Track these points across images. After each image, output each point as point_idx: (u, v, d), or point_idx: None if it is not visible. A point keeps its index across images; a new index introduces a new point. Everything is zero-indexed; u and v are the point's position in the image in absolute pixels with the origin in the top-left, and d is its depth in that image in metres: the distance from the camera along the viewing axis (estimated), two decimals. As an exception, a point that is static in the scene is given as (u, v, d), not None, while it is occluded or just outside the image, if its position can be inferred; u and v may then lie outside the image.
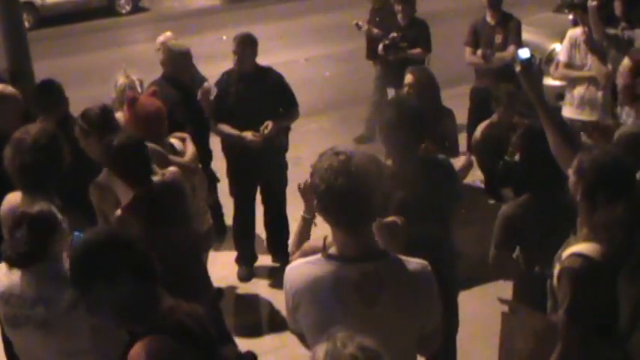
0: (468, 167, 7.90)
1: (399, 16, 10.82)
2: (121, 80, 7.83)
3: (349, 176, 3.40)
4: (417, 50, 10.60)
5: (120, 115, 6.85)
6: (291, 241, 4.49)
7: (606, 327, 3.91)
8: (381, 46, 10.75)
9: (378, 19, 11.64)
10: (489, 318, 5.39)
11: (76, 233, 4.43)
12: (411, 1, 10.78)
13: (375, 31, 11.38)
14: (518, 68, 5.18)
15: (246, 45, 8.09)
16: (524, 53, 5.19)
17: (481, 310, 5.45)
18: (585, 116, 8.51)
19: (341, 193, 3.41)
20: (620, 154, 4.18)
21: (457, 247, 5.80)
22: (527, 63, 5.17)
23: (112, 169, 5.53)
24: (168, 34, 9.26)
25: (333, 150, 3.52)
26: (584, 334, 3.91)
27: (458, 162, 7.54)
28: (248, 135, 7.92)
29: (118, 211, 5.45)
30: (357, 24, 11.38)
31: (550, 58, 10.74)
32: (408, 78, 7.69)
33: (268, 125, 7.95)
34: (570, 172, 4.15)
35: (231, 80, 8.16)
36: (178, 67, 8.03)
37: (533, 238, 4.86)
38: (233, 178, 8.30)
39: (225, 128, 8.07)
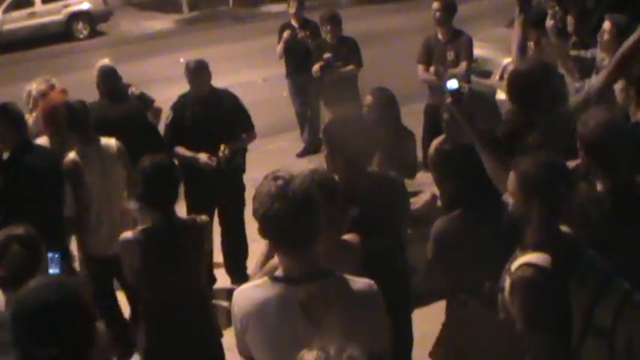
0: (430, 204, 7.80)
1: (328, 36, 11.14)
2: (35, 85, 8.24)
3: (285, 201, 3.44)
4: (350, 67, 10.97)
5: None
6: (253, 263, 4.51)
7: (562, 335, 3.94)
8: (316, 67, 11.01)
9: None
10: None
11: (50, 255, 4.41)
12: (338, 20, 11.12)
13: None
14: (448, 99, 5.24)
15: (198, 73, 8.17)
16: (452, 84, 5.24)
17: (437, 328, 5.44)
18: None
19: (277, 218, 3.46)
20: (549, 155, 4.27)
21: (412, 262, 5.81)
22: (456, 93, 5.22)
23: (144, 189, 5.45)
24: (106, 60, 9.14)
25: (273, 174, 3.55)
26: (548, 340, 3.94)
27: (420, 199, 7.57)
28: (202, 157, 7.95)
29: (129, 234, 5.42)
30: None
31: (503, 73, 10.85)
32: (368, 99, 7.71)
33: (225, 150, 7.99)
34: (511, 192, 4.19)
35: (187, 103, 8.20)
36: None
37: (464, 252, 4.82)
38: (190, 201, 8.30)
39: (181, 150, 8.08)
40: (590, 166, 4.70)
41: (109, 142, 7.16)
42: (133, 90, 8.91)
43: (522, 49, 6.30)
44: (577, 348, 3.93)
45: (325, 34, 11.26)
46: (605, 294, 3.93)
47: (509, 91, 5.79)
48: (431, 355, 5.16)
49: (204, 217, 5.66)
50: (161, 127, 8.53)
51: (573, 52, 8.17)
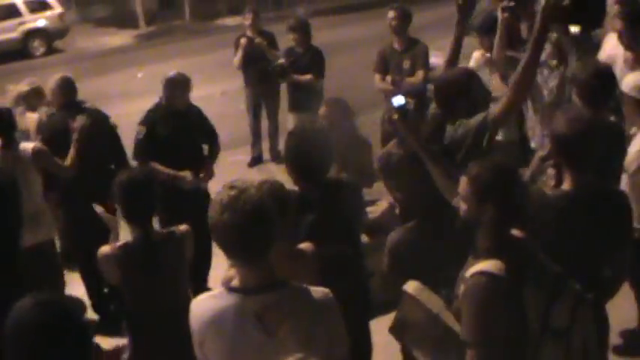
0: (388, 213, 7.80)
1: (295, 45, 11.24)
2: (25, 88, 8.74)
3: (234, 212, 3.43)
4: (308, 76, 11.02)
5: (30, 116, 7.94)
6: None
7: (517, 341, 3.96)
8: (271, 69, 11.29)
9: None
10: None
11: None
12: (305, 30, 11.19)
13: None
14: (394, 116, 5.26)
15: (180, 86, 8.21)
16: (398, 100, 5.26)
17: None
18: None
19: (226, 228, 3.46)
20: (499, 160, 4.32)
21: (371, 268, 5.82)
22: (402, 109, 5.25)
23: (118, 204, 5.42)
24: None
25: (230, 184, 3.55)
26: (493, 352, 3.95)
27: (378, 208, 7.57)
28: (188, 176, 8.02)
29: (107, 249, 5.37)
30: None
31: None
32: (322, 110, 7.75)
33: (209, 169, 8.19)
34: (462, 198, 4.22)
35: (158, 117, 8.15)
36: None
37: (418, 264, 4.79)
38: (163, 214, 8.28)
39: (159, 167, 7.99)
40: (559, 163, 4.81)
41: (27, 146, 7.20)
42: (88, 106, 8.87)
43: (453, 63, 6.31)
44: (535, 350, 3.95)
45: (293, 41, 11.33)
46: (559, 295, 3.96)
47: (434, 97, 5.90)
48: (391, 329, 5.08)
49: (182, 228, 5.62)
50: (130, 134, 8.50)
51: (509, 53, 8.25)
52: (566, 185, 4.76)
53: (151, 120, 8.19)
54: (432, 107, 6.08)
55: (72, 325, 3.12)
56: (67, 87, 8.22)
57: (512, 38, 8.34)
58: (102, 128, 8.12)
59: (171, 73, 8.34)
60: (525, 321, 3.92)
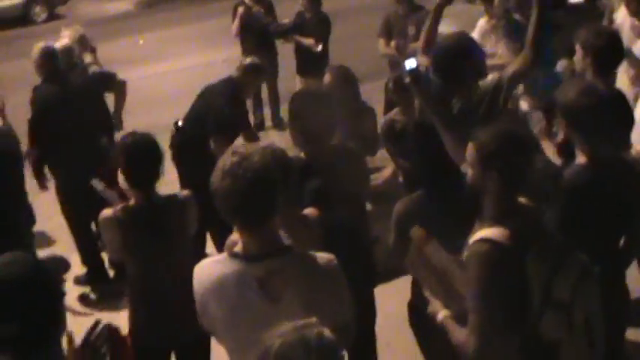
0: (391, 181, 7.75)
1: (304, 10, 11.35)
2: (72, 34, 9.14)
3: (236, 177, 3.39)
4: (310, 41, 11.12)
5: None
6: None
7: (518, 311, 3.93)
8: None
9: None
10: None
11: None
12: None
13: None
14: (407, 79, 5.20)
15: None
16: (410, 63, 5.22)
17: (403, 302, 5.44)
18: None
19: (227, 194, 3.42)
20: (508, 125, 4.26)
21: (376, 235, 5.81)
22: (414, 73, 5.19)
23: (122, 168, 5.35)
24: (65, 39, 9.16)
25: (233, 149, 3.51)
26: (495, 319, 3.93)
27: (381, 175, 7.55)
28: None
29: (109, 212, 5.32)
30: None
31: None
32: (326, 77, 7.70)
33: None
34: (469, 164, 4.18)
35: None
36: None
37: (431, 234, 4.78)
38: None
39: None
40: (571, 135, 4.72)
41: None
42: (95, 69, 8.92)
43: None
44: (536, 322, 3.91)
45: (302, 7, 11.42)
46: (563, 268, 3.90)
47: (433, 64, 5.78)
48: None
49: (185, 192, 5.58)
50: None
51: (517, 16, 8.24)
52: (581, 159, 4.70)
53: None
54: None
55: (39, 281, 3.13)
56: (49, 57, 8.16)
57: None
58: (84, 98, 8.03)
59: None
60: (527, 290, 3.88)
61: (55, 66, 8.08)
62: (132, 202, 5.32)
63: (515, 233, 3.91)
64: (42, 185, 8.20)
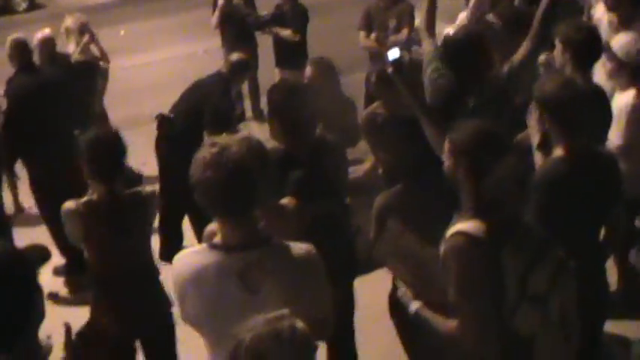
0: (371, 173, 7.75)
1: (283, 2, 11.46)
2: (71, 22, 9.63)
3: (218, 168, 3.41)
4: (287, 32, 11.22)
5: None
6: None
7: (491, 305, 3.95)
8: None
9: None
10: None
11: None
12: None
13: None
14: (389, 69, 5.22)
15: None
16: (393, 54, 5.23)
17: (383, 293, 5.46)
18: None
19: (209, 186, 3.43)
20: (484, 122, 4.28)
21: (357, 225, 5.82)
22: (397, 63, 5.20)
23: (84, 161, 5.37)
24: (47, 30, 9.31)
25: (211, 141, 3.53)
26: (476, 310, 3.95)
27: (361, 168, 7.56)
28: None
29: (72, 204, 5.33)
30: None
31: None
32: (308, 70, 7.71)
33: None
34: (445, 156, 4.20)
35: None
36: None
37: (410, 227, 4.78)
38: None
39: None
40: (550, 129, 4.75)
41: None
42: (77, 57, 8.97)
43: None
44: (512, 315, 3.93)
45: None
46: (539, 262, 3.92)
47: (446, 58, 5.80)
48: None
49: (148, 189, 5.63)
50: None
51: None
52: (558, 152, 4.73)
53: None
54: (434, 73, 5.90)
55: (10, 272, 3.09)
56: (22, 48, 8.19)
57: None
58: (53, 90, 8.06)
59: None
60: (503, 284, 3.90)
61: (27, 57, 8.13)
62: (94, 196, 5.34)
63: (492, 226, 3.91)
64: (11, 176, 8.20)
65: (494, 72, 5.78)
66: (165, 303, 5.52)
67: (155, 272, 5.65)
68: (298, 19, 11.33)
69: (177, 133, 8.02)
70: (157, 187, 9.03)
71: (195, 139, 7.42)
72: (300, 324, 2.81)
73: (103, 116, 9.81)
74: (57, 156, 7.47)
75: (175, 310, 5.50)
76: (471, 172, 4.04)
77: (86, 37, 9.81)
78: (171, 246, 7.97)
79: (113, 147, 5.32)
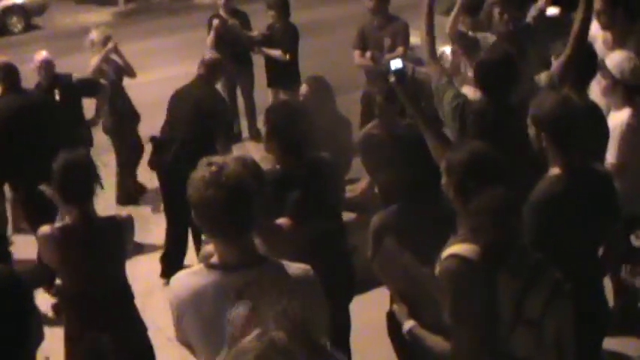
0: (367, 192, 7.77)
1: (273, 21, 11.49)
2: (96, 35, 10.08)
3: (219, 187, 3.42)
4: (277, 52, 11.28)
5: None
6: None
7: (488, 327, 3.95)
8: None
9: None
10: (384, 320, 5.41)
11: None
12: (282, 7, 11.37)
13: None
14: (392, 79, 5.25)
15: None
16: (396, 64, 5.25)
17: (380, 312, 5.46)
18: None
19: (211, 205, 3.44)
20: (485, 147, 4.30)
21: (353, 245, 5.83)
22: (400, 73, 5.23)
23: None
24: (44, 53, 9.40)
25: (207, 160, 3.53)
26: (470, 333, 3.95)
27: (357, 187, 7.58)
28: None
29: (47, 229, 5.36)
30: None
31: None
32: (304, 88, 7.74)
33: None
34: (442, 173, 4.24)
35: None
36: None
37: (406, 247, 4.79)
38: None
39: None
40: (547, 146, 4.74)
41: None
42: (76, 75, 9.12)
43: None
44: (507, 338, 3.93)
45: (272, 18, 11.52)
46: (535, 285, 3.92)
47: (482, 82, 5.83)
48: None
49: (123, 214, 5.68)
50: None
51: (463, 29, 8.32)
52: (554, 170, 4.73)
53: None
54: (455, 100, 5.91)
55: (7, 296, 3.07)
56: (7, 71, 8.28)
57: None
58: (39, 112, 8.15)
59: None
60: (496, 307, 3.90)
61: (12, 79, 8.20)
62: (69, 220, 5.37)
63: (486, 249, 3.92)
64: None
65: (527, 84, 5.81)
66: (140, 327, 5.59)
67: (129, 296, 5.67)
68: (288, 38, 11.38)
69: (178, 147, 8.05)
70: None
71: (199, 148, 7.50)
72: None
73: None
74: (42, 178, 7.46)
75: (152, 334, 5.59)
76: (458, 193, 4.08)
77: (109, 46, 10.12)
78: (174, 264, 8.04)
79: (82, 169, 5.37)
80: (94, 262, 5.31)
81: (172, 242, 8.56)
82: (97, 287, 5.35)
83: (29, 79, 9.16)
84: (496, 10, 8.14)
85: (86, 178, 5.36)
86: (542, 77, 6.31)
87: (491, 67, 5.79)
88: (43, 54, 9.21)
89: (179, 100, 8.42)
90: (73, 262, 5.34)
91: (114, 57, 10.37)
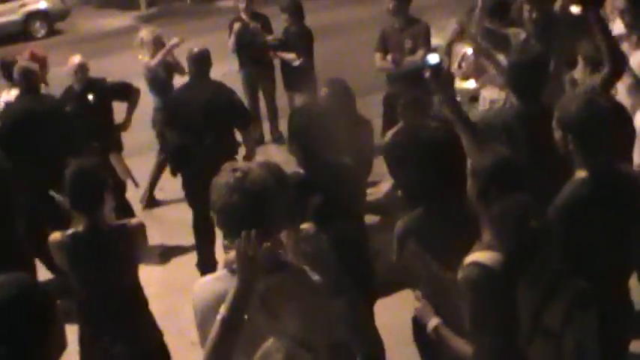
0: (390, 194, 7.75)
1: (288, 25, 11.62)
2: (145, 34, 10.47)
3: (244, 192, 3.43)
4: (291, 55, 11.41)
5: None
6: None
7: (506, 337, 3.93)
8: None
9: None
10: (408, 324, 5.40)
11: None
12: (296, 11, 11.47)
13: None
14: (427, 73, 5.24)
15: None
16: (433, 59, 5.25)
17: (404, 315, 5.44)
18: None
19: (236, 210, 3.45)
20: (507, 153, 4.29)
21: (376, 248, 5.83)
22: (436, 68, 5.22)
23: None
24: (78, 57, 9.52)
25: (231, 166, 3.55)
26: (491, 342, 3.94)
27: (379, 189, 7.58)
28: None
29: (58, 236, 5.41)
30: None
31: (462, 61, 10.87)
32: (323, 90, 7.74)
33: None
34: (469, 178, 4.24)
35: None
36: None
37: (430, 251, 4.73)
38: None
39: None
40: (572, 150, 4.67)
41: None
42: (110, 79, 9.37)
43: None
44: (525, 348, 3.91)
45: (286, 22, 11.63)
46: (555, 296, 3.89)
47: (514, 84, 5.84)
48: None
49: (134, 222, 5.67)
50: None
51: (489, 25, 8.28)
52: (580, 172, 4.67)
53: None
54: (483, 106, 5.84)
55: (30, 303, 3.11)
56: (25, 74, 8.32)
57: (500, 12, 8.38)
58: (49, 116, 8.18)
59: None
60: (517, 316, 3.89)
61: (29, 83, 8.25)
62: (80, 228, 5.40)
63: (508, 258, 3.91)
64: None
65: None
66: (154, 333, 5.62)
67: (142, 302, 5.67)
68: (303, 41, 11.46)
69: (202, 151, 8.04)
70: (172, 211, 9.18)
71: (223, 146, 7.75)
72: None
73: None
74: (50, 183, 7.48)
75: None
76: (481, 198, 4.07)
77: (174, 41, 10.67)
78: (205, 254, 8.11)
79: (91, 179, 5.40)
80: (102, 270, 5.34)
81: (199, 233, 8.54)
82: (107, 294, 5.38)
83: (52, 82, 9.24)
84: (526, 7, 8.09)
85: (96, 187, 5.38)
86: (582, 85, 6.29)
87: (525, 69, 5.77)
88: (77, 58, 9.33)
89: (184, 106, 8.31)
90: (82, 269, 5.38)
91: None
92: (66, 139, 8.02)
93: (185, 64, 8.94)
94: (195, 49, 8.52)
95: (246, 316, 3.38)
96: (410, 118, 7.47)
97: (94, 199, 5.35)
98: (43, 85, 8.88)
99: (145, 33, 10.73)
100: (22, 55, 9.25)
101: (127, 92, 9.66)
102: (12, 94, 8.75)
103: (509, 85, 5.94)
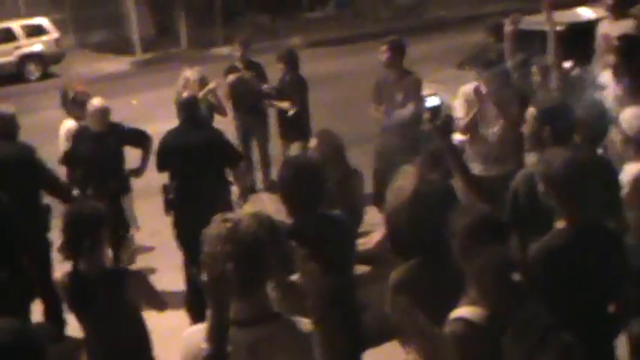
0: (382, 244, 7.73)
1: (283, 74, 11.73)
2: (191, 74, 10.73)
3: (236, 243, 3.45)
4: (285, 104, 11.53)
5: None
6: None
7: None
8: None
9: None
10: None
11: None
12: (291, 60, 11.67)
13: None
14: (426, 115, 5.28)
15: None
16: (432, 101, 5.29)
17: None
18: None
19: (228, 260, 3.45)
20: (486, 209, 4.33)
21: (365, 301, 5.81)
22: (434, 110, 5.26)
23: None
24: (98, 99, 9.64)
25: (221, 217, 3.57)
26: None
27: (371, 239, 7.57)
28: None
29: (58, 275, 5.48)
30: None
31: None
32: (313, 142, 7.77)
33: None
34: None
35: None
36: None
37: (424, 303, 4.69)
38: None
39: None
40: (555, 203, 4.73)
41: None
42: (128, 126, 9.88)
43: None
44: None
45: (281, 71, 11.75)
46: (542, 351, 3.90)
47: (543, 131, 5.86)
48: None
49: (134, 270, 5.68)
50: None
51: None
52: (560, 223, 4.72)
53: None
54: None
55: (27, 350, 3.14)
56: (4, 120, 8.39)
57: None
58: (17, 162, 8.16)
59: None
60: None
61: (5, 129, 8.29)
62: (78, 268, 5.40)
63: (493, 313, 3.93)
64: None
65: None
66: None
67: (145, 348, 5.68)
68: (297, 90, 11.55)
69: (197, 192, 8.20)
70: (166, 258, 9.16)
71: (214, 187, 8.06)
72: None
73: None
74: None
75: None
76: (461, 255, 4.11)
77: (212, 85, 11.16)
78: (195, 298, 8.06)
79: (88, 220, 5.42)
80: (92, 309, 5.34)
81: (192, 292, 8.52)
82: (106, 339, 5.39)
83: (46, 126, 9.30)
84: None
85: (89, 229, 5.39)
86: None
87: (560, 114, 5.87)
88: (99, 101, 9.41)
89: (178, 151, 8.47)
90: (76, 307, 5.43)
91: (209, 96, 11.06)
92: (30, 188, 8.07)
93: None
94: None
95: None
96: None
97: (88, 241, 5.35)
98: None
99: (190, 73, 10.99)
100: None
101: (142, 139, 9.78)
102: None
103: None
